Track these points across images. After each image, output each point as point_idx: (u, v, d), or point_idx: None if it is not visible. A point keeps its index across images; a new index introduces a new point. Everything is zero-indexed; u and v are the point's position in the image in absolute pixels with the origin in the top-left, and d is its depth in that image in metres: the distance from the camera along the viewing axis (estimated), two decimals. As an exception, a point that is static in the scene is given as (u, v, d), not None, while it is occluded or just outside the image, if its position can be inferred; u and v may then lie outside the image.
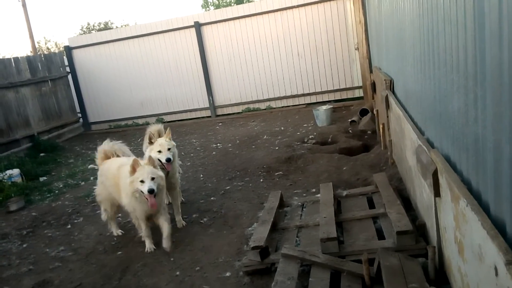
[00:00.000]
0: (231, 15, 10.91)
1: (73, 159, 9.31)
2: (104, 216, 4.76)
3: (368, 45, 8.43)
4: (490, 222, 1.75)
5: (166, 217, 4.20)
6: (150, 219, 4.24)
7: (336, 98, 10.60)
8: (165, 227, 4.14)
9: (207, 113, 11.60)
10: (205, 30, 11.13)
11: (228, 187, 5.76)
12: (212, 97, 11.41)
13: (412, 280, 2.62)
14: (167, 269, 3.86)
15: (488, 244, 1.68)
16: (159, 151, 4.54)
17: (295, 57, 10.71)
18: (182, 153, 7.96)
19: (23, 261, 4.56)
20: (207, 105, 11.51)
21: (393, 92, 5.01)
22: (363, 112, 8.04)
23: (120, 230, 4.81)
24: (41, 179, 7.87)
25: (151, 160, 4.01)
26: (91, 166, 8.24)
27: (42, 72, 11.24)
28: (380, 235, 3.49)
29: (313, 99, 10.77)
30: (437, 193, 2.56)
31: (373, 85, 7.11)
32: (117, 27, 29.07)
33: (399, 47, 4.38)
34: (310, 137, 7.63)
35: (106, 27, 29.47)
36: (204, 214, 4.96)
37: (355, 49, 10.00)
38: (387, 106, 5.03)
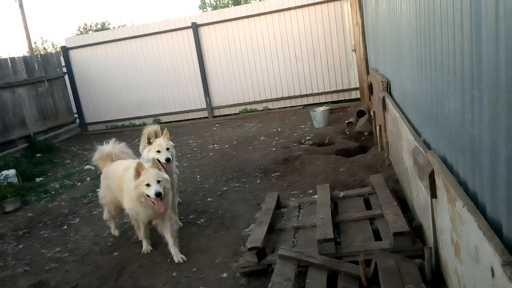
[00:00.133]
0: (228, 16, 10.92)
1: (69, 159, 9.28)
2: (106, 215, 4.74)
3: (365, 46, 8.45)
4: (486, 223, 1.76)
5: (170, 224, 4.03)
6: (151, 223, 4.13)
7: (333, 100, 10.62)
8: (168, 236, 4.00)
9: (204, 114, 11.60)
10: (203, 31, 11.13)
11: (225, 188, 5.75)
12: (209, 98, 11.40)
13: (409, 281, 2.63)
14: (164, 270, 3.85)
15: (485, 245, 1.68)
16: (158, 151, 4.53)
17: (292, 58, 10.72)
18: (179, 154, 7.95)
19: (19, 262, 4.54)
20: (204, 106, 11.51)
21: (390, 94, 5.02)
22: (360, 114, 8.05)
23: (117, 231, 4.79)
24: (37, 179, 7.84)
25: (155, 163, 3.93)
26: (87, 167, 8.21)
27: (38, 72, 11.21)
28: (377, 236, 3.49)
29: (310, 100, 10.79)
30: (433, 194, 2.57)
31: (370, 87, 7.13)
32: (114, 27, 29.03)
33: (396, 48, 4.40)
34: (307, 138, 7.64)
35: (103, 28, 29.43)
36: (201, 215, 4.95)
37: (352, 51, 10.02)
38: (384, 107, 5.04)
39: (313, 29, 10.44)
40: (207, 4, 28.04)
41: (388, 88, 5.11)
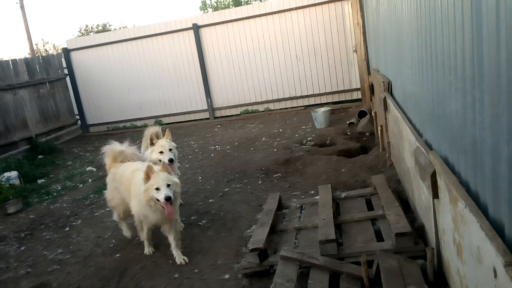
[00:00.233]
0: (229, 17, 10.93)
1: (71, 161, 9.29)
2: (116, 217, 4.63)
3: (366, 47, 8.45)
4: (488, 224, 1.76)
5: (175, 227, 4.02)
6: (158, 226, 4.06)
7: (334, 100, 10.61)
8: (171, 238, 3.99)
9: (206, 115, 11.60)
10: (204, 32, 11.14)
11: (226, 189, 5.75)
12: (210, 99, 11.41)
13: (411, 282, 2.62)
14: (166, 272, 3.85)
15: (487, 245, 1.68)
16: (161, 152, 4.53)
17: (293, 59, 10.72)
18: (181, 155, 7.95)
19: (21, 264, 4.55)
20: (205, 107, 11.51)
21: (391, 94, 5.02)
22: (361, 114, 8.05)
23: (129, 232, 4.60)
24: (39, 181, 7.85)
25: (165, 166, 3.85)
26: (89, 168, 8.23)
27: (40, 74, 11.23)
28: (379, 237, 3.49)
29: (312, 101, 10.78)
30: (435, 194, 2.57)
31: (371, 87, 7.13)
32: (115, 29, 29.08)
33: (397, 49, 4.40)
34: (308, 139, 7.64)
35: (105, 29, 29.48)
36: (202, 216, 4.95)
37: (353, 51, 10.02)
38: (385, 108, 5.03)
39: (314, 30, 10.43)
40: (208, 5, 28.09)
41: (389, 88, 5.10)
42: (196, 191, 5.89)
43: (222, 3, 27.49)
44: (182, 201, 5.39)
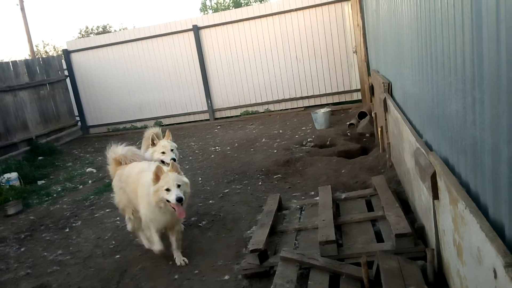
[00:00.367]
0: (229, 18, 10.94)
1: (71, 162, 9.29)
2: (130, 226, 4.39)
3: (366, 48, 8.45)
4: (488, 225, 1.75)
5: (179, 227, 4.01)
6: (166, 228, 3.96)
7: (334, 101, 10.61)
8: (173, 239, 3.95)
9: (206, 116, 11.61)
10: (204, 33, 11.15)
11: (226, 190, 5.75)
12: (210, 100, 11.41)
13: (411, 283, 2.62)
14: (166, 273, 3.84)
15: (487, 246, 1.68)
16: (163, 152, 4.54)
17: (293, 60, 10.73)
18: (181, 156, 7.94)
19: (21, 265, 4.54)
20: (205, 108, 11.52)
21: (391, 95, 5.02)
22: (362, 115, 8.05)
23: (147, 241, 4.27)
24: (39, 182, 7.85)
25: (174, 166, 3.73)
26: (89, 169, 8.23)
27: (40, 75, 11.24)
28: (379, 238, 3.49)
29: (312, 102, 10.79)
30: (435, 195, 2.56)
31: (371, 88, 7.13)
32: (115, 30, 29.11)
33: (397, 50, 4.40)
34: (308, 140, 7.64)
35: (105, 31, 29.50)
36: (202, 217, 4.95)
37: (353, 52, 10.03)
38: (385, 109, 5.04)
39: (314, 31, 10.44)
40: (208, 7, 28.12)
41: (389, 89, 5.10)
42: (196, 192, 5.89)
43: (222, 5, 27.52)
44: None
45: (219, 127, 10.61)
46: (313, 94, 10.76)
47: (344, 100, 10.59)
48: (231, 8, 25.55)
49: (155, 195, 3.59)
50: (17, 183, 7.45)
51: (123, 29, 29.04)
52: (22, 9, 19.05)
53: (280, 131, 8.83)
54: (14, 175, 7.53)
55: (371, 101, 7.72)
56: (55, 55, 15.85)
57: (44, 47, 30.30)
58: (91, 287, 3.85)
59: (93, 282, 3.93)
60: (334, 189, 4.78)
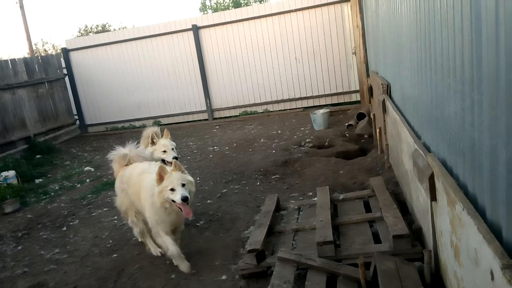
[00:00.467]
0: (229, 18, 10.94)
1: (69, 161, 9.27)
2: (136, 232, 4.27)
3: (366, 49, 8.46)
4: (486, 226, 1.76)
5: (182, 227, 3.99)
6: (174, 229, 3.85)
7: (333, 102, 10.62)
8: (175, 238, 3.89)
9: (204, 116, 11.60)
10: (203, 33, 11.14)
11: (224, 190, 5.75)
12: (209, 100, 11.41)
13: (408, 284, 2.62)
14: (163, 272, 3.84)
15: (484, 248, 1.68)
16: (164, 151, 4.52)
17: (293, 61, 10.73)
18: (179, 156, 7.91)
19: (18, 263, 4.53)
20: (204, 108, 11.51)
21: (390, 97, 5.03)
22: (360, 116, 8.06)
23: (160, 250, 4.09)
24: (37, 181, 7.83)
25: (177, 165, 3.64)
26: (87, 168, 8.21)
27: (39, 74, 11.22)
28: (377, 239, 3.49)
29: (310, 103, 10.80)
30: (433, 197, 2.57)
31: (370, 89, 7.13)
32: (114, 29, 29.08)
33: (396, 51, 4.40)
34: (307, 140, 7.64)
35: (104, 30, 29.47)
36: (200, 217, 4.94)
37: (353, 54, 10.03)
38: (384, 110, 5.04)
39: (314, 32, 10.45)
40: (207, 7, 28.12)
41: (388, 90, 5.11)
42: (194, 191, 5.87)
43: (221, 5, 27.53)
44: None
45: (217, 127, 10.60)
46: (312, 95, 10.77)
47: (343, 101, 10.59)
48: (230, 8, 25.55)
49: (159, 196, 3.49)
50: (14, 181, 7.43)
51: (123, 28, 29.02)
52: (21, 7, 19.02)
53: (279, 131, 8.83)
54: (11, 173, 7.51)
55: (370, 102, 7.72)
56: (54, 53, 15.82)
57: (43, 46, 30.25)
58: (88, 286, 3.84)
59: (90, 281, 3.92)
60: (332, 190, 4.78)
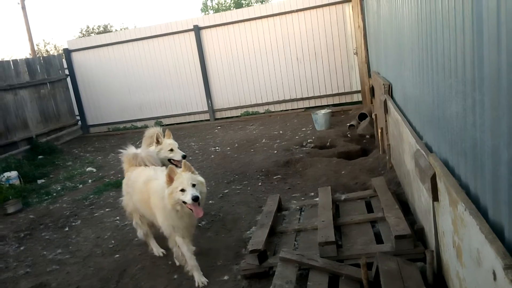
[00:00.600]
0: (230, 19, 10.95)
1: (71, 161, 9.29)
2: (140, 233, 4.24)
3: (367, 50, 8.46)
4: (488, 227, 1.76)
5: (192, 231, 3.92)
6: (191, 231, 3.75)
7: (335, 102, 10.61)
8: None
9: (206, 116, 11.61)
10: (205, 33, 11.15)
11: (226, 191, 5.75)
12: (211, 101, 11.42)
13: (410, 285, 2.62)
14: (165, 272, 3.85)
15: (486, 248, 1.68)
16: (171, 150, 4.53)
17: (294, 61, 10.73)
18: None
19: (20, 264, 4.54)
20: (206, 108, 11.52)
21: (392, 97, 5.02)
22: (362, 117, 8.05)
23: (162, 250, 4.17)
24: (39, 181, 7.85)
25: (187, 166, 3.54)
26: (89, 169, 8.23)
27: (41, 74, 11.24)
28: (379, 239, 3.49)
29: (312, 103, 10.80)
30: (435, 197, 2.57)
31: (372, 90, 7.14)
32: (116, 30, 29.12)
33: (397, 52, 4.40)
34: (308, 141, 7.64)
35: (106, 30, 29.52)
36: (202, 217, 4.92)
37: (354, 54, 10.03)
38: (386, 110, 5.04)
39: (315, 32, 10.45)
40: (209, 7, 28.15)
41: (389, 91, 5.11)
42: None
43: (223, 5, 27.56)
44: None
45: (219, 127, 10.61)
46: (314, 95, 10.76)
47: (344, 102, 10.59)
48: (232, 8, 25.58)
49: (170, 198, 3.41)
50: (17, 182, 7.45)
51: (124, 28, 29.08)
52: (23, 8, 19.06)
53: (280, 132, 8.83)
54: (14, 173, 7.53)
55: (372, 103, 7.72)
56: (56, 54, 15.83)
57: (45, 46, 30.34)
58: (90, 286, 3.85)
59: (93, 281, 3.93)
60: (334, 190, 4.78)
